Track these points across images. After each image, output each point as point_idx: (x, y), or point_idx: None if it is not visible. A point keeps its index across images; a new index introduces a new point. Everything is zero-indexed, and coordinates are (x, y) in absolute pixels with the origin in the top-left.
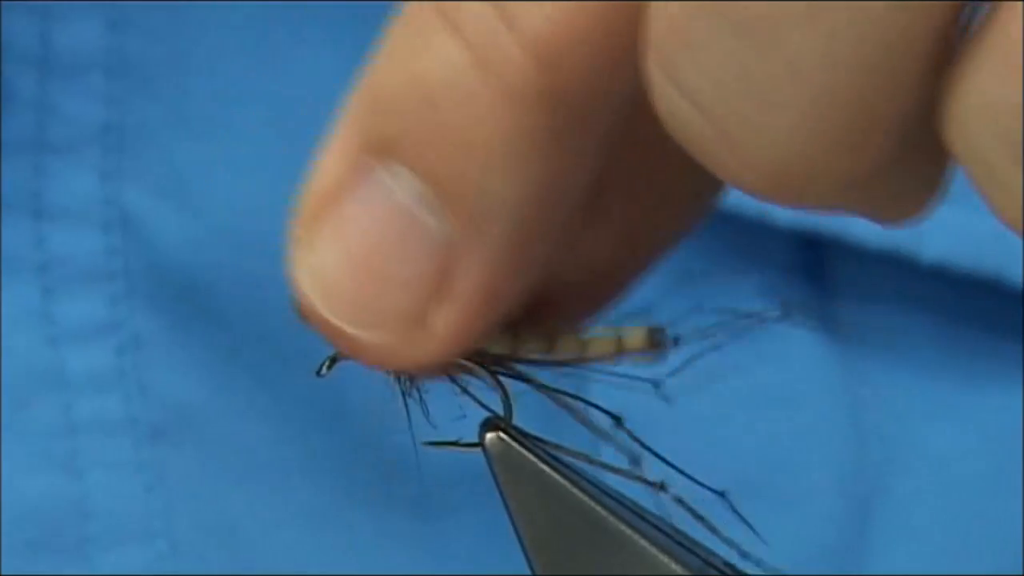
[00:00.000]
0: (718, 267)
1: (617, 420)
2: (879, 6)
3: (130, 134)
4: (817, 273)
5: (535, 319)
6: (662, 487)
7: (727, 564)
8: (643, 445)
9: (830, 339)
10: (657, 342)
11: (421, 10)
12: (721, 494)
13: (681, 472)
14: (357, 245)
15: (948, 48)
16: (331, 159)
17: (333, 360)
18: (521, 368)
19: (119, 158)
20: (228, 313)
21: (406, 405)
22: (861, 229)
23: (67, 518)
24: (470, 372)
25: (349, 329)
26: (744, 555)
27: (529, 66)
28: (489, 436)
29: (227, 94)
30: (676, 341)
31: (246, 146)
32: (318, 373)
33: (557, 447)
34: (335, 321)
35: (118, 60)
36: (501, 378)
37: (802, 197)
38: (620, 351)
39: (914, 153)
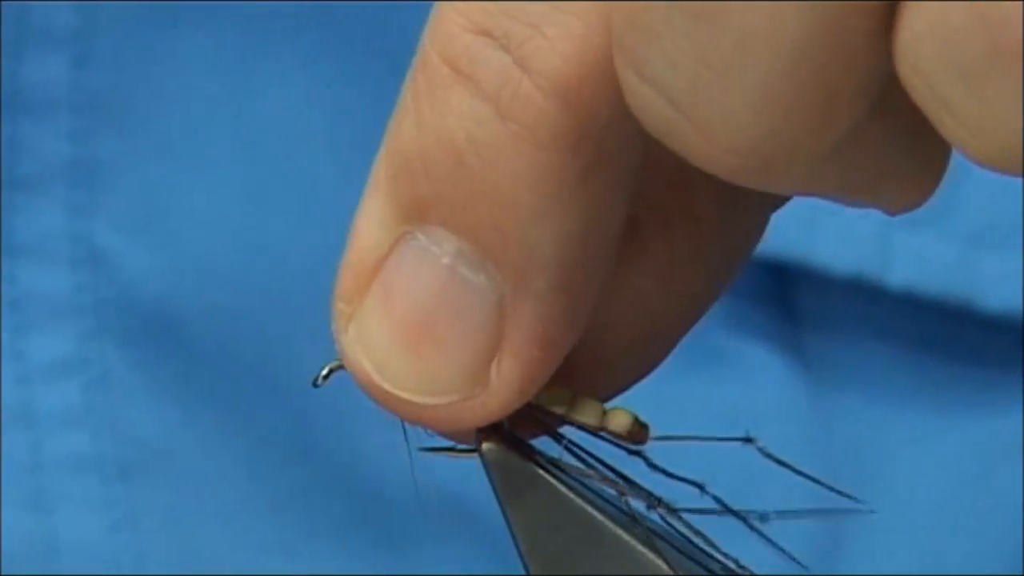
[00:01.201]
0: None
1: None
2: None
3: (98, 169)
4: (783, 301)
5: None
6: (659, 502)
7: (725, 567)
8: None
9: (797, 366)
10: (637, 433)
11: (433, 66)
12: (748, 440)
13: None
14: (406, 313)
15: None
16: (366, 229)
17: (330, 372)
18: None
19: (87, 193)
20: (198, 349)
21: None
22: (827, 255)
23: (35, 555)
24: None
25: (412, 398)
26: (741, 567)
27: (550, 107)
28: (486, 443)
29: (195, 128)
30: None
31: (215, 180)
32: (315, 384)
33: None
34: (397, 392)
35: (84, 96)
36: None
37: (785, 176)
38: (602, 426)
39: (893, 124)
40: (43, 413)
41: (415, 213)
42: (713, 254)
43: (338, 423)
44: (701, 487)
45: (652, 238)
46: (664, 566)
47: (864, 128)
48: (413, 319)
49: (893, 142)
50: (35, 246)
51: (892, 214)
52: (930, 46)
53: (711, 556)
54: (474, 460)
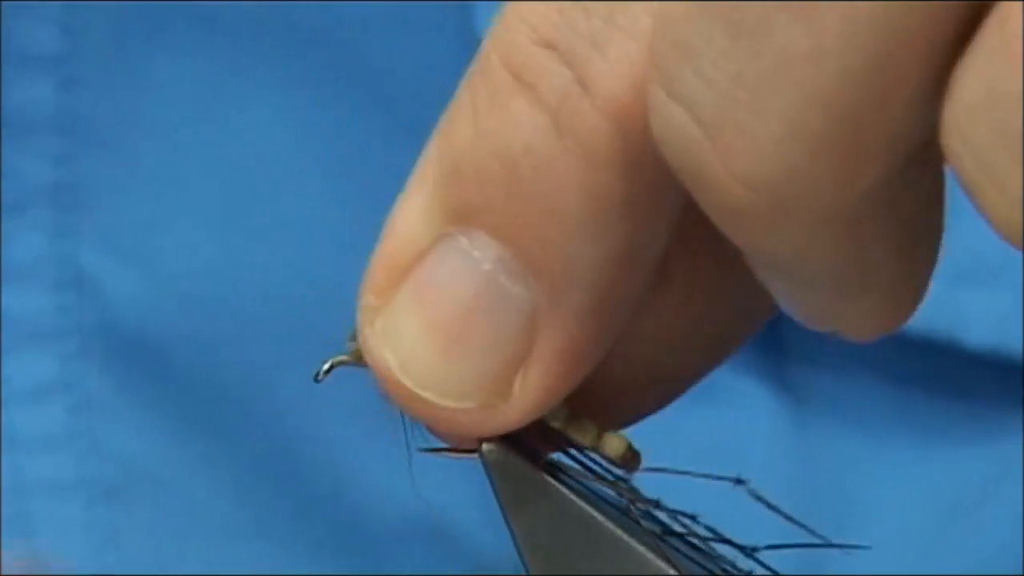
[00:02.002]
0: None
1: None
2: (873, 5)
3: (82, 193)
4: (770, 333)
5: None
6: (657, 505)
7: (724, 570)
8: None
9: (783, 397)
10: (630, 460)
11: (495, 71)
12: (739, 481)
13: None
14: (439, 313)
15: (939, 69)
16: (406, 225)
17: (332, 367)
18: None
19: (71, 216)
20: (181, 372)
21: (402, 416)
22: None
23: None
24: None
25: (434, 399)
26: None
27: (605, 129)
28: (486, 444)
29: (179, 153)
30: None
31: (196, 203)
32: (316, 378)
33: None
34: (418, 391)
35: (69, 119)
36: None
37: (785, 234)
38: (596, 447)
39: (890, 228)
40: (25, 436)
41: (460, 216)
42: (737, 297)
43: (322, 448)
44: (694, 518)
45: (678, 275)
46: (666, 567)
47: (865, 220)
48: (445, 320)
49: (885, 247)
50: (18, 268)
51: (859, 339)
52: (985, 113)
53: (709, 556)
54: (469, 476)
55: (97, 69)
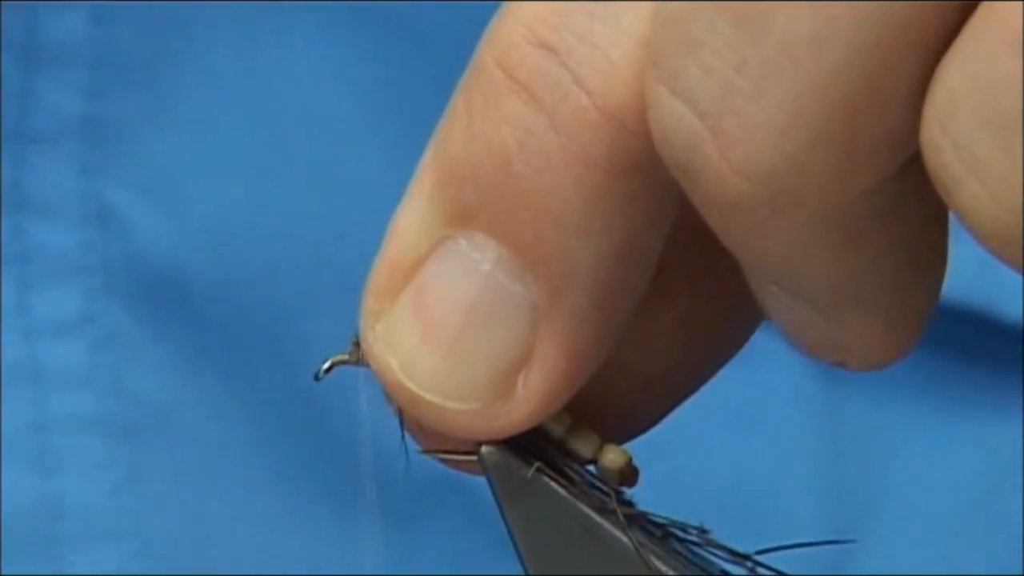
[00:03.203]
0: None
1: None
2: None
3: (111, 129)
4: None
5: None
6: (645, 516)
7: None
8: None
9: (810, 365)
10: (628, 475)
11: (489, 71)
12: (703, 531)
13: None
14: (440, 315)
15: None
16: (406, 229)
17: (332, 366)
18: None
19: (100, 152)
20: (205, 312)
21: (400, 415)
22: None
23: (39, 518)
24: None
25: (435, 400)
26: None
27: (607, 128)
28: (484, 445)
29: (211, 92)
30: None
31: (228, 145)
32: (316, 377)
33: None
34: (421, 393)
35: (102, 53)
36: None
37: (782, 231)
38: (596, 459)
39: (889, 256)
40: (48, 370)
41: (459, 218)
42: (734, 308)
43: (342, 395)
44: (703, 530)
45: (677, 283)
46: (662, 567)
47: (864, 232)
48: (446, 322)
49: (885, 265)
50: (44, 201)
51: (862, 368)
52: (967, 100)
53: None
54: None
55: (132, 4)
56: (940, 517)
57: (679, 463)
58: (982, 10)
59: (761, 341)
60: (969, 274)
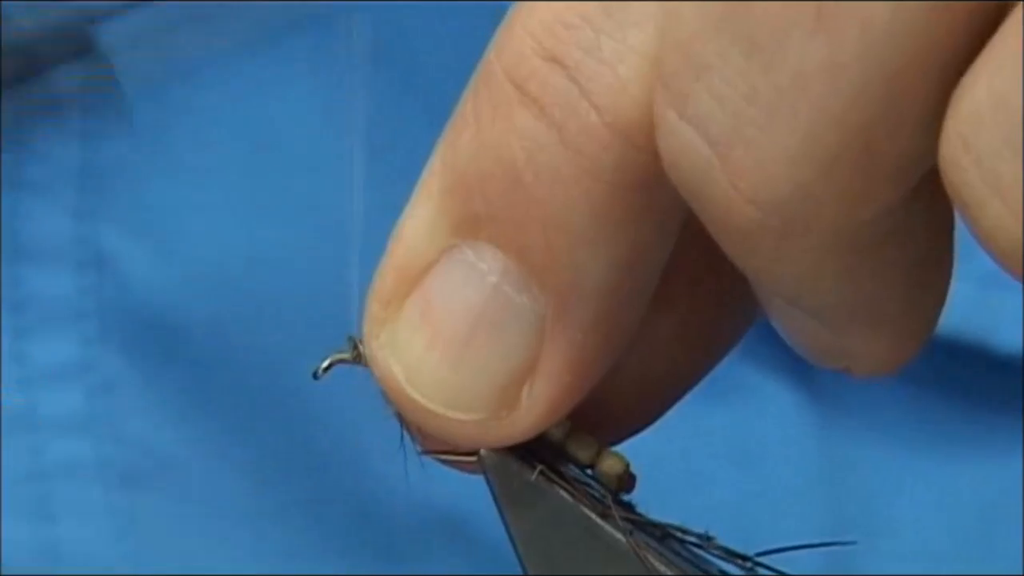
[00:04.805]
0: None
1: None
2: (888, 15)
3: (106, 174)
4: None
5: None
6: (640, 518)
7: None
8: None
9: (807, 398)
10: (626, 481)
11: (498, 82)
12: (708, 537)
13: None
14: (446, 325)
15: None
16: (412, 237)
17: (330, 364)
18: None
19: (94, 198)
20: (202, 356)
21: (402, 422)
22: None
23: (38, 565)
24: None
25: (439, 410)
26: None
27: (615, 144)
28: (484, 448)
29: (204, 135)
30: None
31: (222, 188)
32: (315, 375)
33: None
34: (425, 403)
35: (96, 98)
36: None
37: (792, 240)
38: (594, 464)
39: (900, 267)
40: (45, 418)
41: (465, 228)
42: (733, 311)
43: (341, 434)
44: (709, 537)
45: (678, 287)
46: (662, 568)
47: (874, 250)
48: (452, 332)
49: (893, 280)
50: (40, 248)
51: (866, 376)
52: (993, 120)
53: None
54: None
55: (127, 49)
56: (937, 553)
57: (675, 500)
58: (1007, 28)
59: (757, 378)
60: (962, 304)
